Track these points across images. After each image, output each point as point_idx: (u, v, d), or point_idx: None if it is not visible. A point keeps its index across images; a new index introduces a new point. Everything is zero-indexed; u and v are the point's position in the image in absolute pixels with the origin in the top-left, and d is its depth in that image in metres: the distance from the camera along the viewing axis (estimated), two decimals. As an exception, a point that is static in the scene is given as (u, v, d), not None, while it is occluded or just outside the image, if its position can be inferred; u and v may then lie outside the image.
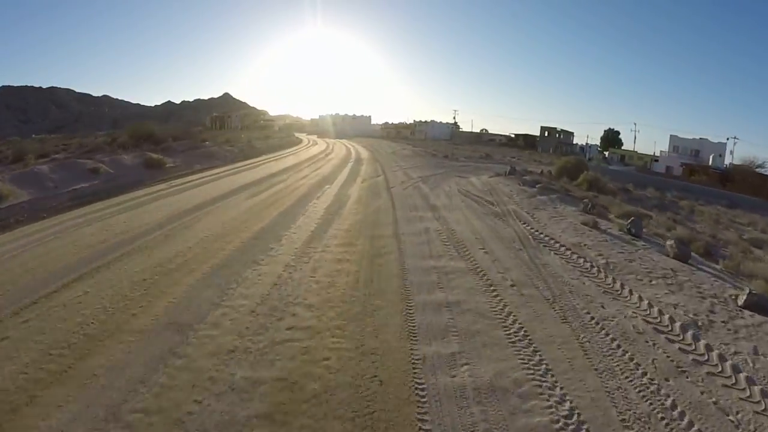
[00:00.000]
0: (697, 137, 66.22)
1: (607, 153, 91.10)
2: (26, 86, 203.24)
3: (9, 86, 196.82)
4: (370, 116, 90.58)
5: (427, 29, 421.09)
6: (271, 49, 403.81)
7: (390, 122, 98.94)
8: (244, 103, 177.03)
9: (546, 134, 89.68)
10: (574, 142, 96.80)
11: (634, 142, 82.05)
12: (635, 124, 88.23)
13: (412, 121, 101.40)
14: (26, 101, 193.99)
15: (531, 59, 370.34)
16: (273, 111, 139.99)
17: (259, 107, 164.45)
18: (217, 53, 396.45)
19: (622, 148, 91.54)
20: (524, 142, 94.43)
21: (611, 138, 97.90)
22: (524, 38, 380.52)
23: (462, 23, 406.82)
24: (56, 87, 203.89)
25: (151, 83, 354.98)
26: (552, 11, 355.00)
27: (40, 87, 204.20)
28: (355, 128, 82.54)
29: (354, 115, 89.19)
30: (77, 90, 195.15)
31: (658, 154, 70.52)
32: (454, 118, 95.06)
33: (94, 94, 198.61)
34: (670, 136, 68.73)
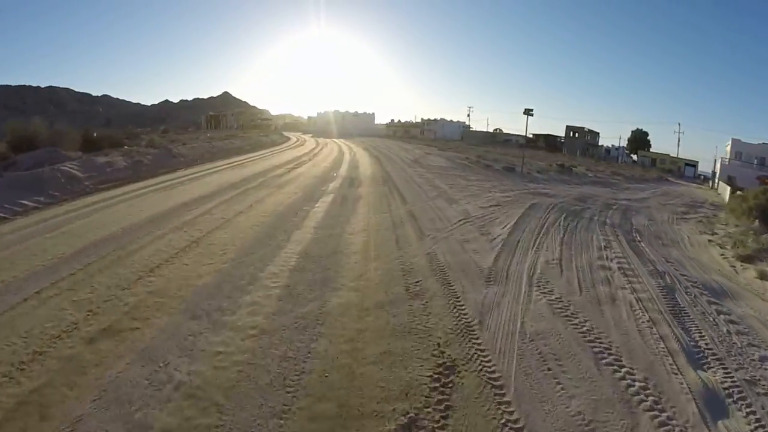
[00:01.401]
0: (762, 142, 50.95)
1: (635, 156, 76.83)
2: (24, 86, 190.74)
3: (7, 86, 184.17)
4: (373, 113, 76.09)
5: (428, 29, 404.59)
6: (273, 49, 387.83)
7: (397, 120, 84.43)
8: (245, 102, 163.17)
9: (573, 135, 75.13)
10: (599, 143, 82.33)
11: (678, 146, 67.10)
12: (679, 124, 72.40)
13: (420, 120, 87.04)
14: (24, 101, 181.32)
15: (542, 54, 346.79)
16: (275, 110, 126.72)
17: (260, 107, 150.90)
18: (221, 53, 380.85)
19: (651, 150, 77.37)
20: (545, 142, 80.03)
21: (639, 139, 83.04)
22: (531, 33, 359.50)
23: (463, 22, 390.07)
24: (55, 86, 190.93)
25: (153, 83, 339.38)
26: (555, 12, 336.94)
27: (39, 86, 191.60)
28: (357, 126, 68.15)
29: (356, 112, 74.69)
30: (77, 90, 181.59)
31: (718, 159, 55.52)
32: (468, 115, 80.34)
33: (94, 93, 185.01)
34: (732, 140, 52.81)
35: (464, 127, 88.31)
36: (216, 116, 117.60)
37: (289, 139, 44.40)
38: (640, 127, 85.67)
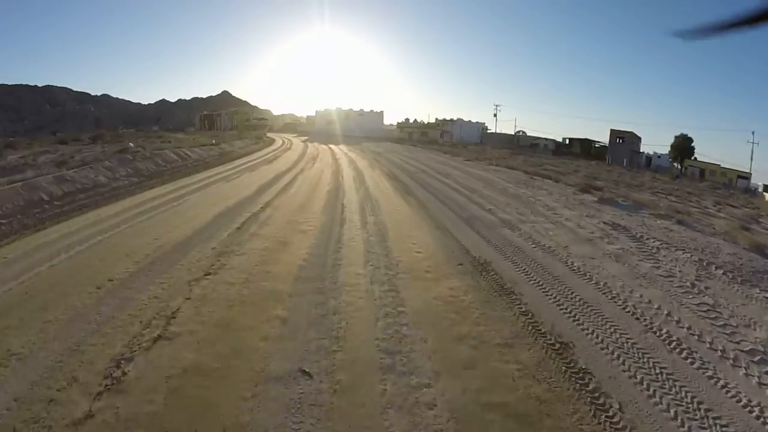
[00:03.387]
0: None
1: (681, 165, 60.78)
2: (21, 85, 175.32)
3: (3, 85, 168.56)
4: (382, 112, 59.64)
5: (435, 25, 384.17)
6: (276, 48, 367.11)
7: (410, 119, 68.01)
8: (245, 102, 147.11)
9: (619, 140, 58.90)
10: (640, 150, 65.90)
11: (752, 159, 50.77)
12: (753, 133, 55.71)
13: (434, 120, 70.78)
14: (20, 100, 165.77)
15: (564, 48, 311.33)
16: (277, 110, 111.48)
17: (262, 107, 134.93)
18: (223, 53, 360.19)
19: (696, 158, 61.44)
20: (581, 148, 63.81)
21: (683, 146, 66.17)
22: (552, 27, 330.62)
23: (474, 18, 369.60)
24: (52, 86, 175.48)
25: (157, 82, 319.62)
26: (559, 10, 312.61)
27: (36, 86, 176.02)
28: (363, 127, 51.78)
29: (361, 110, 58.28)
30: (75, 89, 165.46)
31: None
32: (495, 115, 64.06)
33: (93, 93, 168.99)
34: None
35: (483, 129, 72.14)
36: (210, 116, 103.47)
37: (269, 144, 28.39)
38: (684, 133, 68.70)
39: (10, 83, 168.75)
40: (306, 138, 42.45)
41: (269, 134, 46.89)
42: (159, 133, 41.98)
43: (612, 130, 59.98)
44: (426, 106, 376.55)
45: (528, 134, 73.39)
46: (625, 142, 58.87)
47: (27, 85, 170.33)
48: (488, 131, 72.22)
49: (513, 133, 73.47)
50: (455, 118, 69.79)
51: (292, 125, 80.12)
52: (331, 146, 29.10)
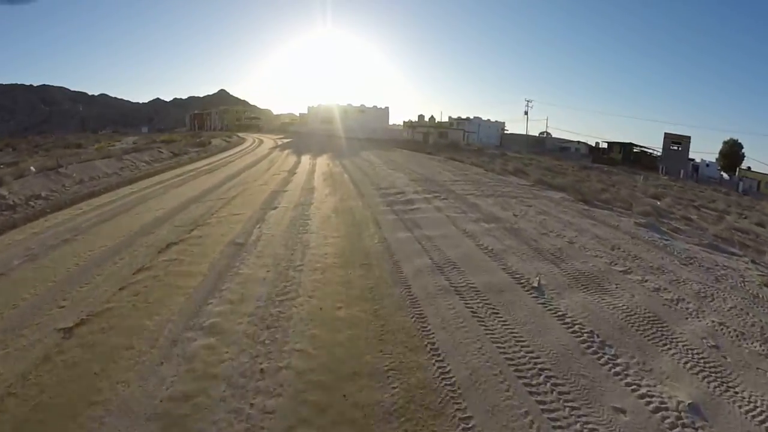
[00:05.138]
0: None
1: (725, 174, 48.55)
2: (17, 84, 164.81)
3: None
4: (387, 108, 47.36)
5: (431, 26, 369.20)
6: (278, 48, 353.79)
7: (420, 117, 55.46)
8: (243, 101, 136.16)
9: (676, 147, 46.44)
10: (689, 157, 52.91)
11: None
12: None
13: (448, 118, 58.57)
14: (15, 100, 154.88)
15: (594, 41, 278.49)
16: (277, 110, 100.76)
17: (261, 106, 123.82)
18: (225, 53, 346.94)
19: (748, 167, 48.97)
20: (622, 154, 51.37)
21: (734, 153, 53.18)
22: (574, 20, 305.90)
23: (466, 18, 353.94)
24: (48, 85, 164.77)
25: (158, 82, 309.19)
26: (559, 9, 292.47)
27: (32, 85, 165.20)
28: (365, 127, 39.54)
29: (362, 106, 46.03)
30: (72, 89, 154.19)
31: None
32: (526, 112, 51.32)
33: (91, 92, 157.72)
34: None
35: (501, 130, 59.88)
36: (200, 115, 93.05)
37: (208, 155, 16.52)
38: (733, 138, 55.35)
39: (6, 83, 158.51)
40: (288, 141, 30.50)
41: (249, 135, 35.15)
42: (98, 137, 30.33)
43: (666, 134, 47.46)
44: (429, 105, 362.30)
45: (552, 136, 61.07)
46: (681, 148, 46.51)
47: (23, 84, 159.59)
48: (506, 132, 60.10)
49: (538, 134, 61.21)
50: (472, 117, 57.57)
51: (289, 124, 69.15)
52: (307, 159, 17.04)
